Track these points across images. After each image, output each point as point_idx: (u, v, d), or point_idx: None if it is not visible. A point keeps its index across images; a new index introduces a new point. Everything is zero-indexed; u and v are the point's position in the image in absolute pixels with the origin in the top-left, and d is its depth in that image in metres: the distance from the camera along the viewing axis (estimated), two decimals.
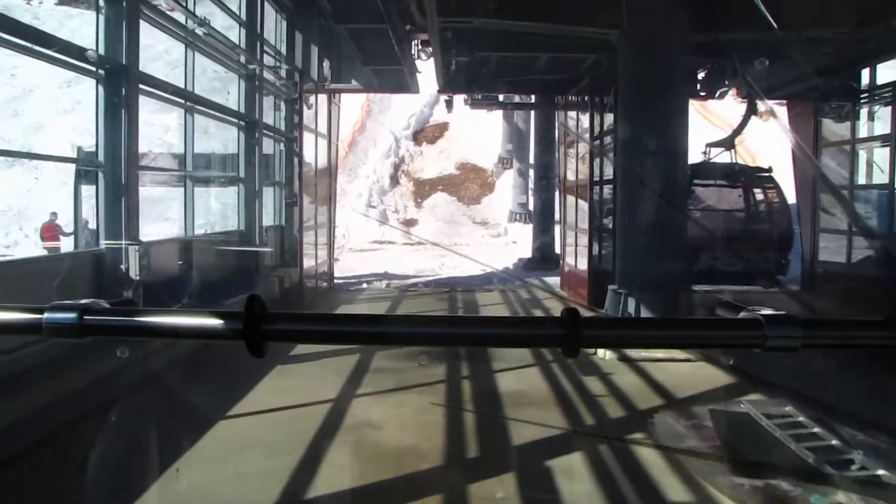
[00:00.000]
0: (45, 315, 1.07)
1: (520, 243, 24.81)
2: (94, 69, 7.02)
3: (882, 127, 13.32)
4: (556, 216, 19.04)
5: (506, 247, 25.67)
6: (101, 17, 7.10)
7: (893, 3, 9.27)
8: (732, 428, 5.53)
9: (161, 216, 14.80)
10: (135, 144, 7.35)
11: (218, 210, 14.11)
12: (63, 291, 5.90)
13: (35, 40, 6.32)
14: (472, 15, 9.90)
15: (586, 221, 13.34)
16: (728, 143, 12.83)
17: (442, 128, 34.37)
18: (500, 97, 19.98)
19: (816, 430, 4.89)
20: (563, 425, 6.11)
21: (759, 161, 16.65)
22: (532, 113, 23.22)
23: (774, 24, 10.08)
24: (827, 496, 4.18)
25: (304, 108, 13.20)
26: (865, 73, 13.54)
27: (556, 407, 6.65)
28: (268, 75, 12.16)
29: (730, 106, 21.60)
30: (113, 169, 7.11)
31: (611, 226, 12.28)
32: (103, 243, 7.09)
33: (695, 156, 11.84)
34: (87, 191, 7.55)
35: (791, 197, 14.00)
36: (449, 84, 15.69)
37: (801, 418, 5.13)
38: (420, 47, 14.02)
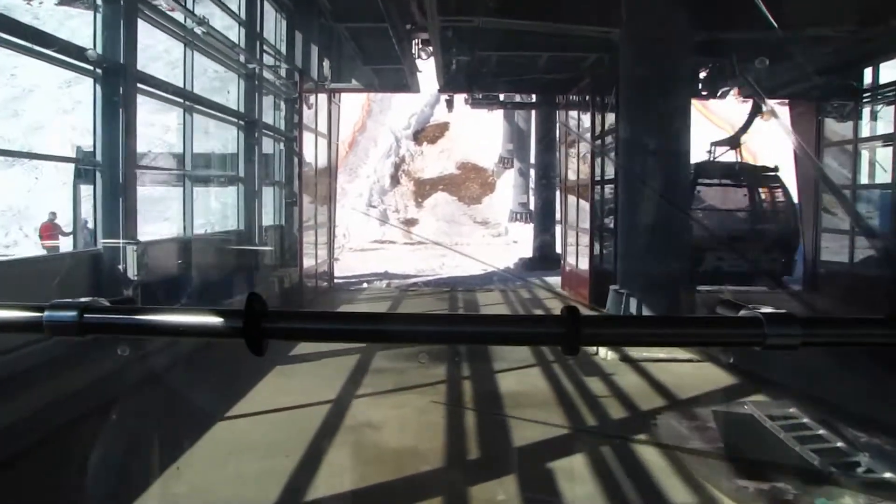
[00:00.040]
0: (46, 313, 1.07)
1: (520, 243, 24.77)
2: (91, 68, 6.97)
3: (885, 126, 13.26)
4: (557, 216, 19.01)
5: (506, 246, 25.62)
6: (99, 16, 7.05)
7: (895, 2, 9.22)
8: (736, 429, 5.47)
9: (161, 216, 14.77)
10: (133, 144, 7.30)
11: (218, 210, 14.07)
12: (58, 292, 5.86)
13: (32, 39, 6.27)
14: (473, 14, 9.84)
15: (587, 221, 13.29)
16: (733, 142, 12.67)
17: (442, 127, 34.32)
18: (501, 97, 19.94)
19: (821, 431, 4.83)
20: (565, 426, 6.06)
21: (761, 161, 16.49)
22: (533, 112, 23.17)
23: (776, 23, 10.05)
24: (833, 499, 4.13)
25: (304, 107, 13.15)
26: (868, 73, 13.49)
27: (557, 408, 6.60)
28: (267, 74, 12.11)
29: (731, 105, 21.63)
30: (111, 168, 7.06)
31: (612, 225, 12.21)
32: (101, 243, 7.04)
33: (699, 155, 11.77)
34: (87, 190, 7.53)
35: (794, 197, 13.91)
36: (449, 83, 15.64)
37: (805, 420, 5.07)
38: (420, 46, 13.97)
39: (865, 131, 13.82)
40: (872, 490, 4.20)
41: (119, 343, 5.88)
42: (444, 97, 20.49)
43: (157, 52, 13.56)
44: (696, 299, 10.04)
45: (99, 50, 6.98)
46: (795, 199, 13.49)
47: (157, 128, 17.01)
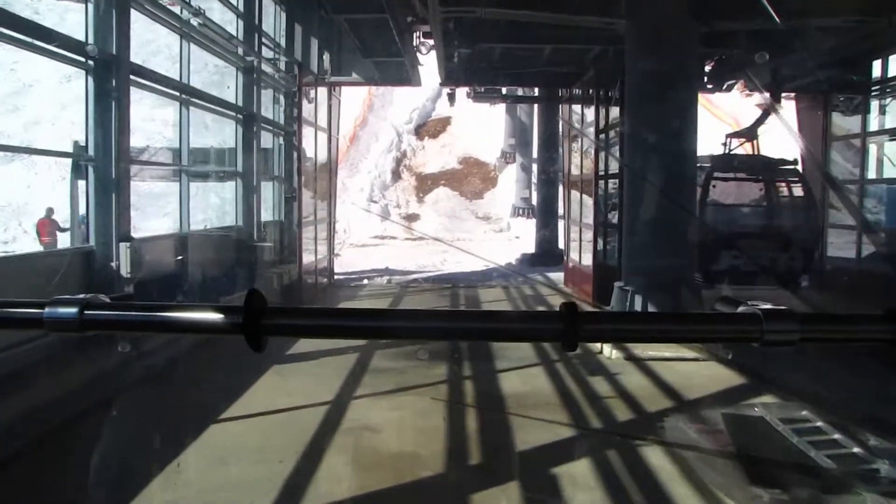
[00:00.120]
0: (46, 310, 1.07)
1: (523, 238, 24.58)
2: (83, 60, 6.78)
3: (893, 120, 13.05)
4: (560, 211, 18.82)
5: (508, 242, 25.44)
6: (91, 6, 6.86)
7: None
8: (746, 433, 5.28)
9: (160, 211, 14.62)
10: (126, 138, 7.12)
11: (216, 205, 13.90)
12: (45, 292, 5.68)
13: (21, 29, 6.08)
14: (475, 4, 9.64)
15: (590, 216, 13.10)
16: (749, 134, 12.25)
17: (444, 122, 34.10)
18: (503, 90, 19.70)
19: (836, 436, 4.63)
20: (570, 428, 5.89)
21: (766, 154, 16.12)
22: (535, 107, 22.94)
23: (783, 15, 9.84)
24: None
25: (304, 101, 12.95)
26: (877, 65, 13.27)
27: (562, 408, 6.43)
28: (266, 67, 11.92)
29: (735, 99, 21.38)
30: (103, 163, 6.88)
31: (616, 221, 12.01)
32: (93, 240, 6.87)
33: (705, 149, 11.43)
34: (84, 186, 7.35)
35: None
36: (451, 77, 15.42)
37: (819, 423, 4.87)
38: (421, 40, 13.74)
39: (874, 125, 13.63)
40: (895, 500, 4.01)
41: (119, 340, 5.77)
42: (445, 91, 20.25)
43: (158, 46, 13.39)
44: (702, 297, 9.84)
45: (91, 40, 6.78)
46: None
47: (156, 122, 16.85)
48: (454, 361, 8.07)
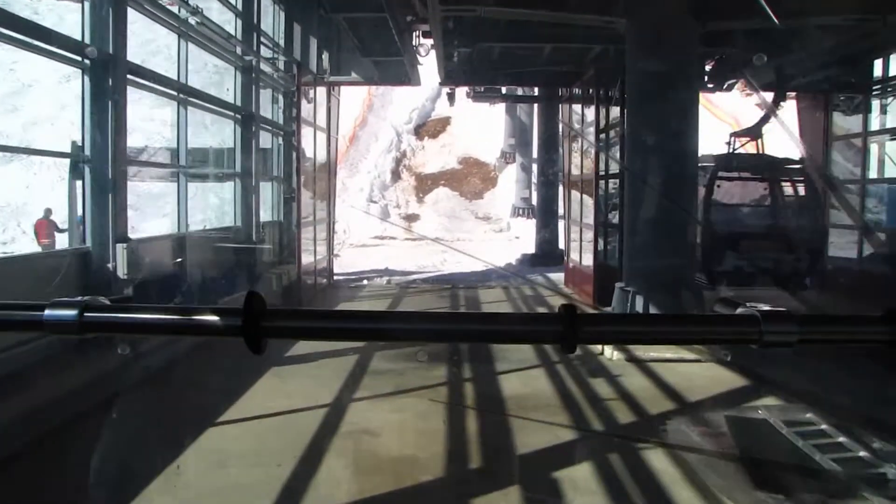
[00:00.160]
0: (46, 312, 1.07)
1: (523, 238, 24.51)
2: (80, 59, 6.71)
3: (894, 120, 12.99)
4: (560, 211, 18.75)
5: (508, 242, 25.36)
6: (87, 5, 6.79)
7: None
8: (750, 436, 5.21)
9: (160, 212, 14.55)
10: (123, 138, 7.05)
11: (215, 206, 13.83)
12: (42, 294, 5.62)
13: (17, 28, 6.01)
14: (475, 3, 9.57)
15: (591, 216, 13.03)
16: (754, 133, 11.96)
17: (444, 122, 34.03)
18: (503, 90, 19.65)
19: (841, 439, 4.56)
20: (571, 431, 5.82)
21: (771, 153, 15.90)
22: (535, 106, 22.87)
23: (784, 13, 9.78)
24: None
25: (303, 100, 12.88)
26: (878, 64, 13.20)
27: (563, 411, 6.37)
28: (265, 67, 11.86)
29: (735, 99, 21.31)
30: (100, 163, 6.82)
31: (616, 221, 11.94)
32: (89, 241, 6.80)
33: (706, 148, 11.28)
34: (82, 186, 7.28)
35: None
36: (451, 76, 15.35)
37: (823, 426, 4.80)
38: (421, 38, 13.68)
39: (875, 125, 13.57)
40: None
41: (118, 342, 5.72)
42: (445, 91, 20.20)
43: (157, 46, 13.33)
44: (704, 298, 9.77)
45: (87, 39, 6.72)
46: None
47: (155, 122, 16.79)
48: (454, 363, 8.01)
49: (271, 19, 12.34)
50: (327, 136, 14.77)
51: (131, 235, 7.38)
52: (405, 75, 15.21)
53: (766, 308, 1.03)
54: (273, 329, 1.07)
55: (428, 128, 34.32)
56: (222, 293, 9.29)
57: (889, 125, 13.25)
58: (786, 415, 5.15)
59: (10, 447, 4.89)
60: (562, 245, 17.42)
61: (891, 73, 12.97)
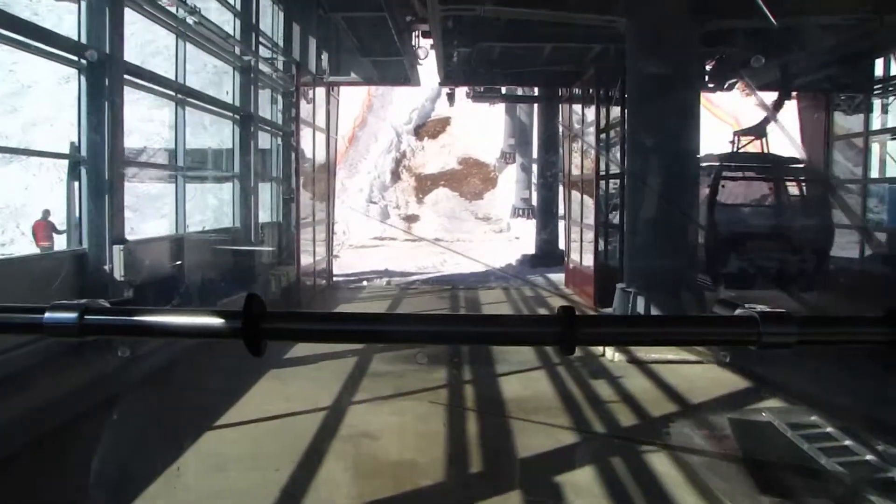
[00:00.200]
0: (46, 315, 1.07)
1: (523, 239, 24.43)
2: (76, 59, 6.65)
3: (895, 119, 12.94)
4: (560, 211, 18.68)
5: (508, 243, 25.29)
6: (84, 4, 6.73)
7: None
8: (754, 439, 5.14)
9: (158, 213, 14.51)
10: (120, 138, 6.99)
11: (214, 207, 13.77)
12: (35, 298, 5.54)
13: (11, 27, 5.95)
14: (475, 2, 9.50)
15: (591, 217, 12.96)
16: (759, 132, 11.80)
17: (444, 122, 33.96)
18: (503, 90, 19.58)
19: (847, 442, 4.49)
20: (572, 433, 5.76)
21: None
22: (535, 106, 22.81)
23: (784, 13, 9.72)
24: None
25: (302, 101, 12.82)
26: (879, 64, 13.15)
27: (565, 414, 6.30)
28: (263, 67, 11.81)
29: (735, 98, 21.23)
30: (96, 164, 6.76)
31: (617, 221, 11.87)
32: (85, 242, 6.74)
33: (714, 147, 11.16)
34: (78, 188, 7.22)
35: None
36: (450, 76, 15.28)
37: (829, 429, 4.73)
38: (420, 38, 13.62)
39: (876, 124, 13.51)
40: None
41: (118, 345, 5.68)
42: (445, 91, 20.13)
43: (157, 47, 13.28)
44: (705, 298, 9.70)
45: (84, 39, 6.66)
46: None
47: (155, 123, 16.74)
48: (454, 365, 7.95)
49: (270, 19, 12.29)
50: (326, 136, 14.71)
51: (130, 237, 7.33)
52: (405, 75, 15.15)
53: (765, 309, 1.04)
54: (272, 331, 1.07)
55: (428, 128, 34.26)
56: (220, 295, 9.22)
57: (890, 124, 13.20)
58: (790, 417, 5.08)
59: (21, 441, 4.86)
60: (562, 246, 17.35)
61: (892, 73, 12.91)
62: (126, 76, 7.30)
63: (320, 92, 14.16)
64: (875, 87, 13.04)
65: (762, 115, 13.48)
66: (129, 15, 7.79)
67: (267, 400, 6.56)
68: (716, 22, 9.75)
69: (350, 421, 6.02)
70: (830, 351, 6.40)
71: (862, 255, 12.55)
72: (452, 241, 25.16)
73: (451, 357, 8.09)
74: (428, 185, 31.91)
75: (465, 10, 9.95)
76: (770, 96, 20.48)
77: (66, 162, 7.89)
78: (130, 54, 7.49)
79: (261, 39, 11.59)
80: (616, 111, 12.12)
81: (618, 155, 12.27)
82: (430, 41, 12.78)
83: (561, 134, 18.17)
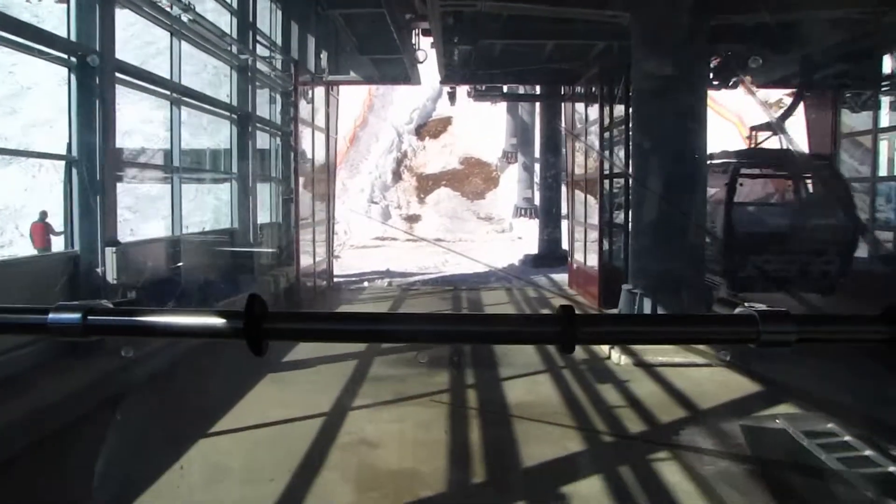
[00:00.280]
0: (50, 315, 1.09)
1: (525, 239, 24.26)
2: (65, 56, 6.48)
3: None
4: (563, 211, 18.50)
5: (511, 243, 25.11)
6: (73, 0, 6.55)
7: None
8: (768, 448, 4.94)
9: (158, 213, 14.35)
10: (112, 138, 6.83)
11: (213, 207, 13.61)
12: (27, 301, 5.37)
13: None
14: None
15: (595, 216, 12.77)
16: (777, 127, 11.40)
17: (445, 122, 33.80)
18: (505, 88, 19.40)
19: (868, 452, 4.28)
20: (579, 441, 5.57)
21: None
22: (537, 105, 22.66)
23: (791, 8, 9.54)
24: None
25: (301, 100, 12.65)
26: (887, 60, 12.94)
27: (570, 418, 6.10)
28: (261, 66, 11.63)
29: (739, 97, 21.02)
30: (87, 164, 6.58)
31: (621, 221, 11.67)
32: (77, 244, 6.56)
33: (715, 147, 10.84)
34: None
35: None
36: (451, 75, 15.10)
37: (847, 437, 4.52)
38: (420, 36, 13.44)
39: (884, 121, 13.31)
40: None
41: (122, 345, 5.52)
42: (446, 90, 19.97)
43: (158, 48, 13.15)
44: (712, 299, 9.49)
45: (73, 36, 6.49)
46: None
47: (154, 124, 16.61)
48: (455, 367, 7.77)
49: (267, 17, 12.11)
50: (326, 136, 14.54)
51: (130, 238, 7.16)
52: (405, 74, 14.97)
53: (765, 308, 1.04)
54: (274, 331, 1.08)
55: (429, 128, 34.10)
56: (219, 297, 9.05)
57: None
58: (805, 424, 4.87)
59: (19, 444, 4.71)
60: (565, 246, 17.16)
61: None
62: (118, 75, 7.12)
63: (319, 91, 13.99)
64: (883, 83, 12.81)
65: (765, 112, 13.29)
66: (129, 15, 7.64)
67: (264, 405, 6.38)
68: (721, 17, 9.55)
69: (349, 427, 5.84)
70: (845, 353, 6.22)
71: (871, 254, 12.30)
72: (454, 241, 24.98)
73: (452, 358, 7.91)
74: (429, 185, 31.74)
75: (465, 6, 9.78)
76: (774, 93, 20.24)
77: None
78: (131, 55, 7.34)
79: (258, 38, 11.41)
80: (620, 109, 11.94)
81: (622, 154, 12.08)
82: (431, 39, 12.60)
83: (563, 132, 17.98)
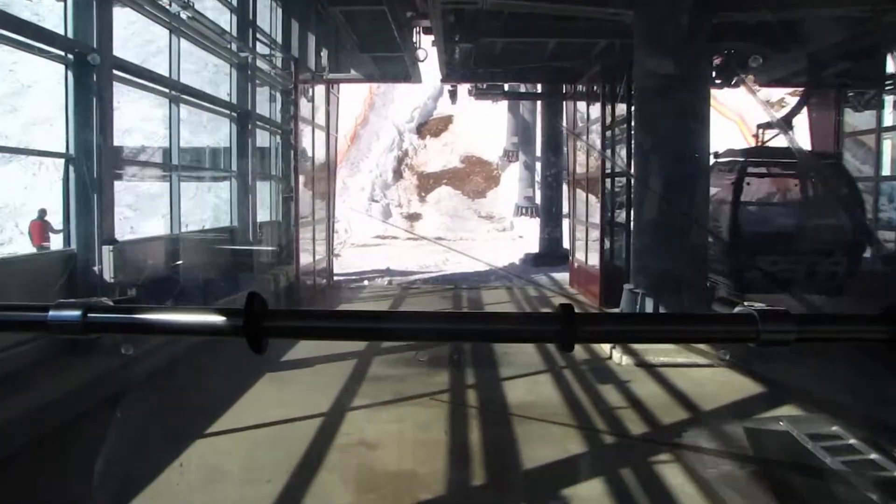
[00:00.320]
0: (51, 313, 1.09)
1: (526, 238, 24.20)
2: (62, 53, 6.42)
3: None
4: (564, 210, 18.43)
5: (512, 241, 25.04)
6: None
7: None
8: (773, 451, 4.88)
9: (158, 212, 14.30)
10: (109, 135, 6.76)
11: (213, 205, 13.55)
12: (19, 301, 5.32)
13: None
14: None
15: (597, 215, 12.71)
16: (785, 125, 11.18)
17: (446, 120, 33.71)
18: (506, 87, 19.32)
19: (873, 456, 4.21)
20: (580, 442, 5.51)
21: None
22: (538, 104, 22.58)
23: (793, 5, 9.46)
24: None
25: (301, 98, 12.58)
26: (891, 59, 12.86)
27: (571, 419, 6.05)
28: (261, 64, 11.57)
29: (740, 96, 20.93)
30: (85, 162, 6.52)
31: (623, 220, 11.60)
32: (74, 243, 6.50)
33: (718, 146, 10.72)
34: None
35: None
36: (452, 73, 15.03)
37: (852, 441, 4.46)
38: (421, 34, 13.36)
39: (888, 120, 13.23)
40: None
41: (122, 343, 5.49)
42: (447, 89, 19.88)
43: (158, 46, 13.09)
44: (713, 298, 9.41)
45: (70, 33, 6.42)
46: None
47: (154, 122, 16.56)
48: (456, 367, 7.71)
49: (267, 14, 12.05)
50: (326, 134, 14.47)
51: (130, 236, 7.11)
52: (406, 72, 14.89)
53: (764, 307, 1.05)
54: (274, 329, 1.08)
55: (430, 126, 34.02)
56: (218, 295, 8.99)
57: None
58: (809, 427, 4.80)
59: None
60: (566, 245, 17.10)
61: None
62: (116, 72, 7.05)
63: (320, 89, 13.93)
64: (887, 82, 12.73)
65: (766, 112, 13.17)
66: (128, 13, 7.59)
67: (262, 405, 6.33)
68: (723, 15, 9.48)
69: (348, 428, 5.78)
70: (845, 353, 6.16)
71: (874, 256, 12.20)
72: (455, 239, 24.92)
73: (453, 359, 7.85)
74: (430, 184, 31.67)
75: (466, 3, 9.71)
76: (776, 93, 20.14)
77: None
78: (132, 53, 7.28)
79: (258, 35, 11.35)
80: (622, 108, 11.87)
81: (623, 153, 12.01)
82: (432, 37, 12.52)
83: (565, 131, 17.91)
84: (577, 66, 13.54)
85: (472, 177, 32.20)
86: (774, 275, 9.48)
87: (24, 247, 17.90)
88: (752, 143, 12.97)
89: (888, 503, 3.79)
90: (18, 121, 24.07)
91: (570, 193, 15.85)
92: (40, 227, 14.54)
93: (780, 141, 11.20)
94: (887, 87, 12.82)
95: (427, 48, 13.39)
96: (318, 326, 1.19)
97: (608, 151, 12.53)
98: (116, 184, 7.44)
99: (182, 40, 8.91)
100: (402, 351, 7.99)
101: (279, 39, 12.29)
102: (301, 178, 12.65)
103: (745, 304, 1.07)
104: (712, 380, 7.28)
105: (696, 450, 5.18)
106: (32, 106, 24.75)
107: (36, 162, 21.93)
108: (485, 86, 17.94)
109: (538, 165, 24.24)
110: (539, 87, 19.47)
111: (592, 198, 13.32)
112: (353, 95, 26.89)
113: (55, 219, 14.49)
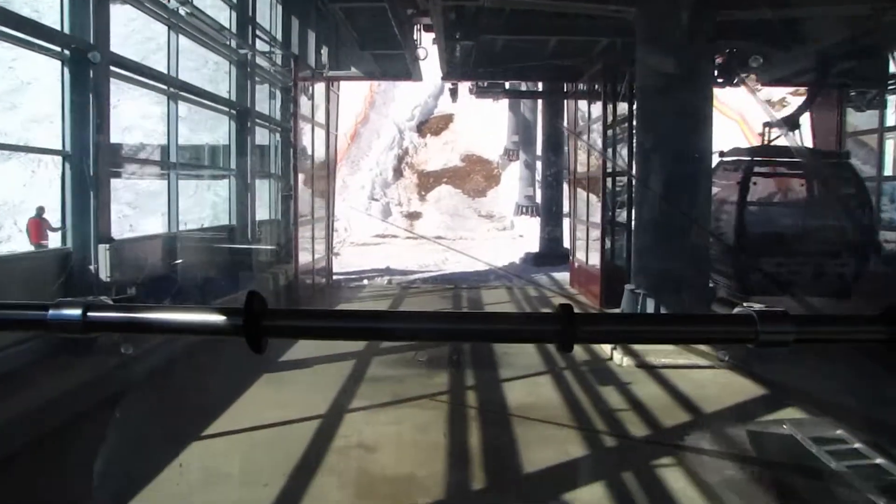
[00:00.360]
0: (51, 312, 1.09)
1: (527, 237, 24.13)
2: (58, 49, 6.34)
3: None
4: (565, 209, 18.36)
5: (512, 241, 24.97)
6: None
7: None
8: (776, 455, 4.81)
9: (157, 210, 14.23)
10: (106, 132, 6.69)
11: (211, 204, 13.49)
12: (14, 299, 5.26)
13: None
14: None
15: (597, 215, 12.64)
16: (791, 123, 10.96)
17: (447, 119, 33.63)
18: (507, 85, 19.24)
19: (879, 460, 4.15)
20: (582, 445, 5.45)
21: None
22: (539, 103, 22.51)
23: (796, 4, 9.39)
24: None
25: (301, 96, 12.51)
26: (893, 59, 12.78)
27: (572, 421, 5.99)
28: (260, 61, 11.49)
29: (741, 95, 20.85)
30: (81, 159, 6.45)
31: (624, 220, 11.53)
32: (70, 241, 6.44)
33: (719, 145, 10.60)
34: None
35: None
36: (453, 71, 14.96)
37: (856, 444, 4.40)
38: (422, 31, 13.29)
39: (891, 120, 13.16)
40: None
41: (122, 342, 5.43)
42: (447, 87, 19.82)
43: (158, 44, 13.03)
44: (714, 298, 9.35)
45: (66, 28, 6.35)
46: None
47: (153, 119, 16.50)
48: (455, 367, 7.65)
49: (267, 11, 11.98)
50: (326, 132, 14.40)
51: (129, 234, 7.04)
52: (406, 70, 14.83)
53: (763, 308, 1.04)
54: (274, 328, 1.08)
55: (430, 125, 33.94)
56: (217, 294, 8.93)
57: None
58: (813, 430, 4.74)
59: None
60: (567, 244, 17.03)
61: None
62: (113, 69, 6.98)
63: (319, 87, 13.86)
64: (889, 82, 12.66)
65: (766, 112, 13.09)
66: (128, 10, 7.51)
67: (259, 406, 6.27)
68: (725, 14, 9.40)
69: (346, 430, 5.72)
70: (845, 353, 6.09)
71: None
72: (455, 239, 24.84)
73: (452, 360, 7.79)
74: (430, 183, 31.59)
75: (467, 1, 9.64)
76: (777, 92, 20.06)
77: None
78: (131, 50, 7.22)
79: (257, 32, 11.28)
80: (623, 107, 11.80)
81: (625, 152, 11.94)
82: (432, 35, 12.45)
83: (565, 130, 17.84)
84: (578, 65, 13.46)
85: (473, 176, 32.13)
86: (781, 276, 9.35)
87: (23, 245, 17.86)
88: (754, 142, 12.90)
89: None
90: (18, 118, 24.00)
91: (571, 193, 15.78)
92: (38, 225, 14.44)
93: (785, 140, 11.08)
94: (890, 87, 12.75)
95: (428, 46, 13.33)
96: (318, 326, 1.19)
97: (609, 151, 12.46)
98: (115, 182, 7.39)
99: (181, 37, 8.84)
100: (402, 351, 7.93)
101: (279, 36, 12.22)
102: (300, 177, 12.58)
103: (745, 304, 1.07)
104: (713, 381, 7.22)
105: (699, 452, 5.12)
106: (32, 103, 24.68)
107: (35, 159, 21.84)
108: (485, 84, 17.86)
109: (539, 164, 24.16)
110: (540, 86, 19.40)
111: (593, 197, 13.25)
112: (354, 93, 26.81)
113: (53, 217, 14.44)
